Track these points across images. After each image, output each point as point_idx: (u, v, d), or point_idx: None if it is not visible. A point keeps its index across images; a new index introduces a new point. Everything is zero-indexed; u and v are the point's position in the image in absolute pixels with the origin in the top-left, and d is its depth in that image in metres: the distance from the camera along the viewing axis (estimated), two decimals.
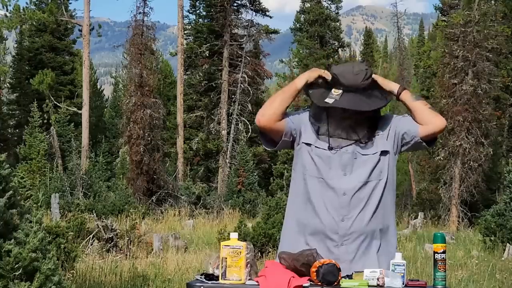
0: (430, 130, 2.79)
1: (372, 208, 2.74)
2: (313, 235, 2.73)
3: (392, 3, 39.83)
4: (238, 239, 2.56)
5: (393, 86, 2.86)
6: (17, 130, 35.38)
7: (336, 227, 2.70)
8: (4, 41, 36.39)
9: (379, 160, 2.77)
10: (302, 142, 2.83)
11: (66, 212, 16.82)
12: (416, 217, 20.14)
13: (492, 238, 12.40)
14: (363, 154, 2.76)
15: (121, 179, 26.20)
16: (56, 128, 30.30)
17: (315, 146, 2.79)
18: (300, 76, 2.85)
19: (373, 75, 2.82)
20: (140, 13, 24.77)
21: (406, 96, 2.83)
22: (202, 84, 31.83)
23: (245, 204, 22.64)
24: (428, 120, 2.78)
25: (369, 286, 2.44)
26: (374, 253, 2.73)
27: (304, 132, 2.83)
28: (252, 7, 32.08)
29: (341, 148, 2.76)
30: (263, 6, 32.40)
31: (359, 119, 2.77)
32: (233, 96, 30.75)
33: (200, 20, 33.31)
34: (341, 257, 2.53)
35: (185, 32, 31.69)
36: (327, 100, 2.75)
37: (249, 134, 29.86)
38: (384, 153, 2.79)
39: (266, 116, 2.78)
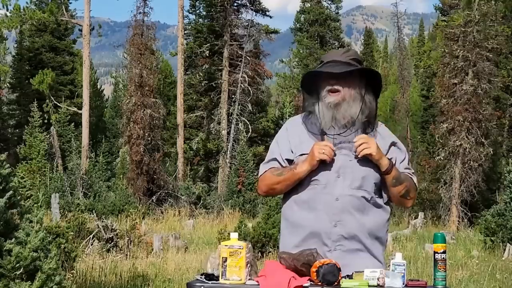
0: (397, 204, 2.90)
1: (365, 214, 2.73)
2: (307, 240, 2.73)
3: (392, 3, 39.94)
4: (238, 239, 2.55)
5: (384, 162, 2.72)
6: (17, 130, 35.37)
7: (329, 232, 2.70)
8: (4, 41, 36.33)
9: (375, 169, 2.74)
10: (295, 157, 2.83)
11: (66, 212, 16.81)
12: (416, 217, 20.13)
13: (492, 238, 12.40)
14: (358, 158, 2.71)
15: (121, 179, 26.20)
16: (56, 128, 30.32)
17: (300, 155, 2.77)
18: (301, 164, 2.73)
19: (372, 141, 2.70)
20: (140, 13, 24.82)
21: (389, 178, 2.74)
22: (202, 84, 31.83)
23: (245, 204, 22.62)
24: (398, 203, 2.88)
25: (369, 286, 2.44)
26: (367, 259, 2.72)
27: (295, 149, 2.81)
28: (252, 7, 32.06)
29: (333, 135, 2.74)
30: (263, 6, 32.40)
31: (344, 104, 2.74)
32: (233, 96, 30.75)
33: (200, 20, 33.32)
34: None
35: (185, 32, 31.68)
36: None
37: (249, 134, 29.86)
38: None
39: (269, 194, 3.01)
